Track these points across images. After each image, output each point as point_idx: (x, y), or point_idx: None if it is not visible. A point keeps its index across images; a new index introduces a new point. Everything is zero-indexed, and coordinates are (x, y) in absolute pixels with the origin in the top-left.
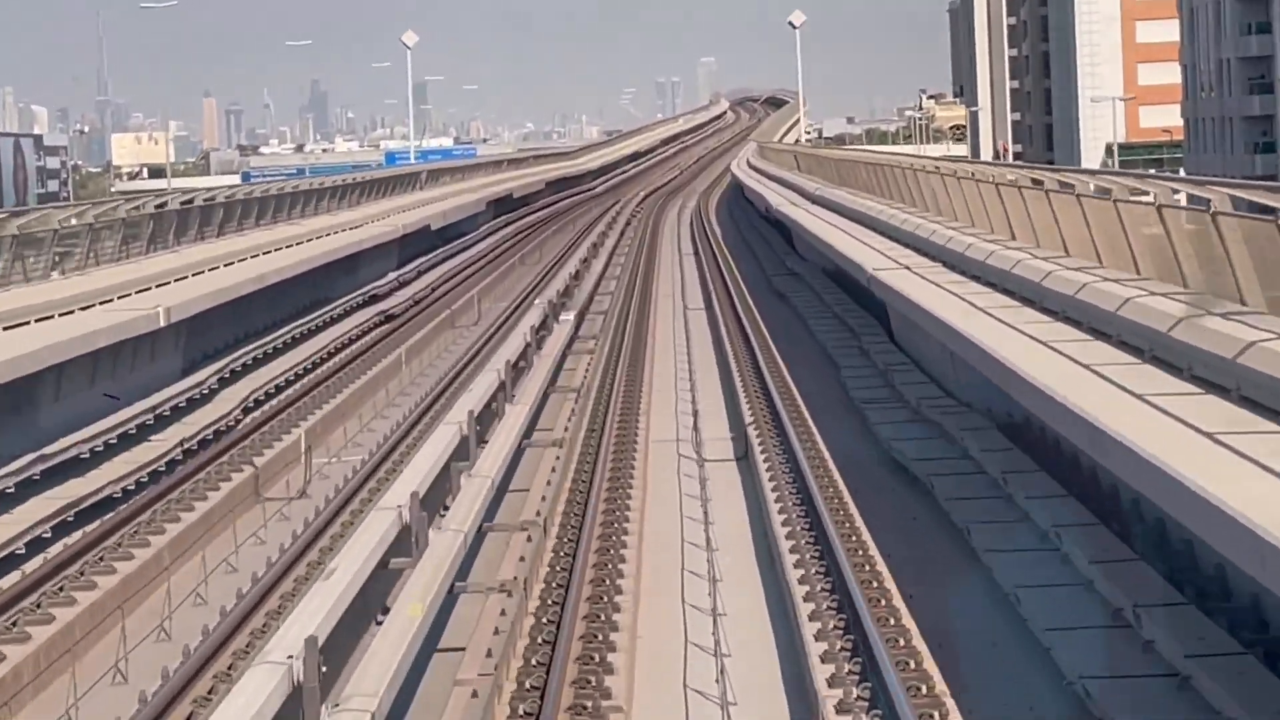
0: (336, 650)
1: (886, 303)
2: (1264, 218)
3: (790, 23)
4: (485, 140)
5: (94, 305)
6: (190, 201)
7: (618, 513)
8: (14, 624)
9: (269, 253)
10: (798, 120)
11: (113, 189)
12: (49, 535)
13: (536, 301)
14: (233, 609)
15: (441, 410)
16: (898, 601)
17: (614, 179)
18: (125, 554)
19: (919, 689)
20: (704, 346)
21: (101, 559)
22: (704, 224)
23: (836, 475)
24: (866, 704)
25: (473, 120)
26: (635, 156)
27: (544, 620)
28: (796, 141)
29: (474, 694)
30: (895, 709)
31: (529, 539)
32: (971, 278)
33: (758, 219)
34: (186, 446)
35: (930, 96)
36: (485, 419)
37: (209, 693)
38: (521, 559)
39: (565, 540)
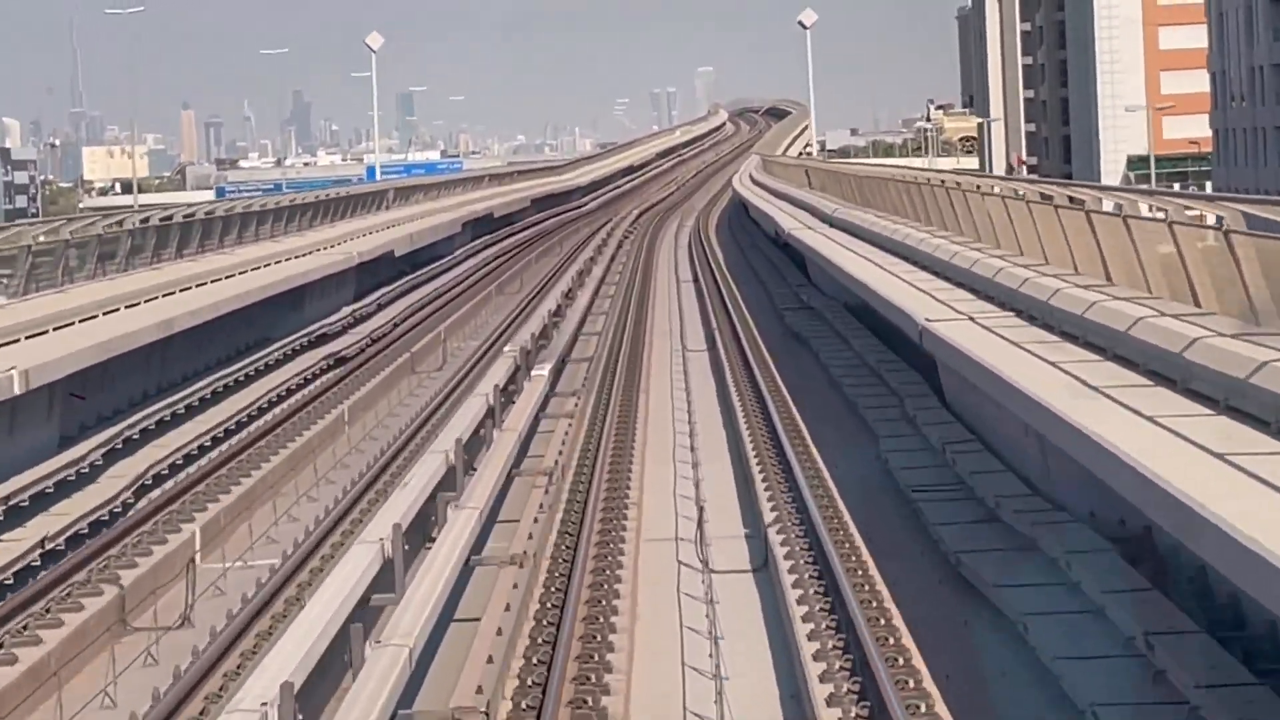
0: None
1: (940, 360)
2: None
3: (800, 22)
4: (474, 153)
5: None
6: (120, 224)
7: (592, 672)
8: None
9: (188, 289)
10: (803, 131)
11: (80, 205)
12: None
13: (506, 349)
14: None
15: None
16: None
17: (606, 195)
18: None
19: None
20: (708, 405)
21: None
22: (704, 246)
23: (892, 609)
24: None
25: (461, 132)
26: (629, 171)
27: None
28: (801, 154)
29: None
30: None
31: None
32: (1065, 335)
33: (763, 240)
34: (49, 546)
35: (938, 107)
36: (423, 525)
37: None
38: None
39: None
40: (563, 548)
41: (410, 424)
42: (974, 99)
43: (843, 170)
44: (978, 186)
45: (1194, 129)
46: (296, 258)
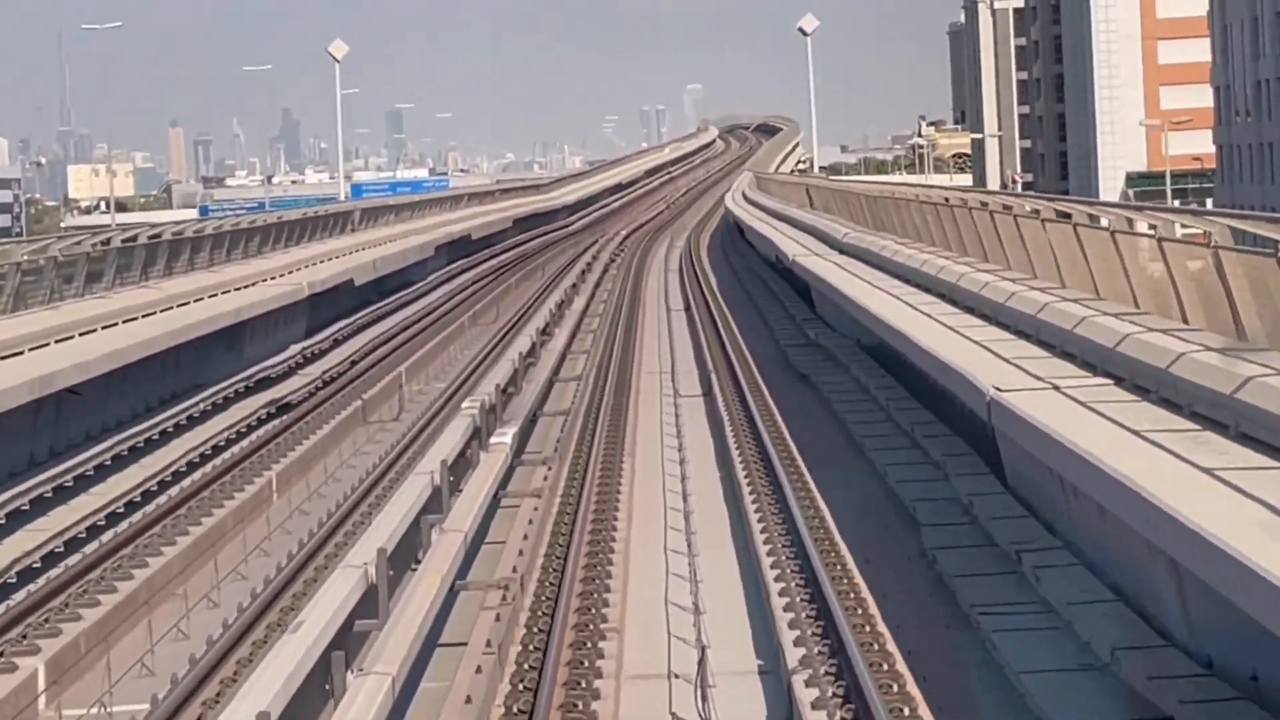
0: None
1: (1002, 431)
2: None
3: (800, 29)
4: (463, 171)
5: None
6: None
7: None
8: None
9: (91, 332)
10: (795, 147)
11: (62, 224)
12: None
13: (465, 405)
14: None
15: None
16: None
17: (593, 214)
18: None
19: None
20: (707, 476)
21: None
22: (696, 271)
23: None
24: None
25: (450, 150)
26: (617, 189)
27: None
28: (795, 171)
29: None
30: None
31: None
32: (1201, 419)
33: (759, 264)
34: None
35: (930, 123)
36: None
37: None
38: None
39: None
40: (520, 687)
41: (349, 497)
42: (966, 115)
43: (852, 189)
44: (1008, 207)
45: (1194, 145)
46: (237, 290)
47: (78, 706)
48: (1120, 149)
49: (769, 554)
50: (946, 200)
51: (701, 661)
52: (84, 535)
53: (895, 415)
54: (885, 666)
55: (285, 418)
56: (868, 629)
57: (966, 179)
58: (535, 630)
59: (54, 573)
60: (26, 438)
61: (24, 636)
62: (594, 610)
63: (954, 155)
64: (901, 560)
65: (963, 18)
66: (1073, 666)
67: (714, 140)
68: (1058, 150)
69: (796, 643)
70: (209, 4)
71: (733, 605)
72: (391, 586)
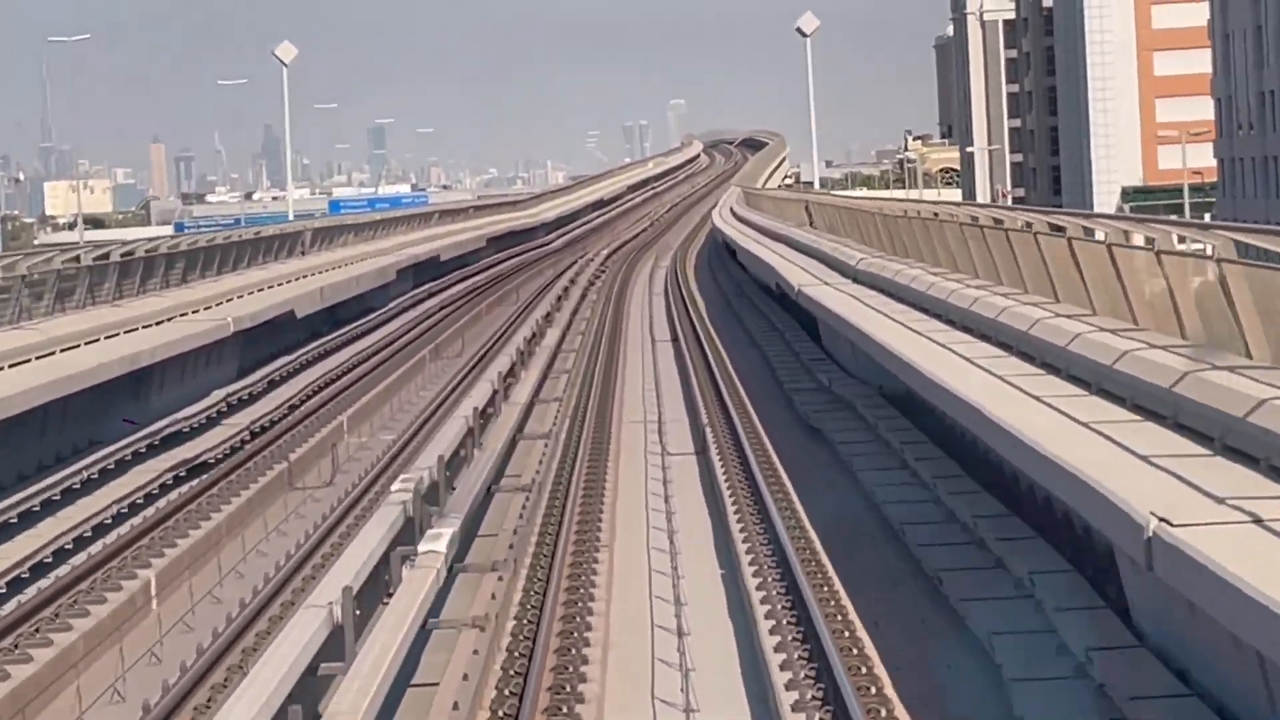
0: None
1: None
2: None
3: (799, 29)
4: (445, 187)
5: None
6: None
7: None
8: None
9: None
10: (782, 161)
11: (35, 241)
12: None
13: (395, 488)
14: None
15: None
16: None
17: (574, 231)
18: None
19: None
20: (707, 577)
21: None
22: (683, 295)
23: None
24: None
25: (433, 166)
26: (599, 205)
27: None
28: (782, 184)
29: None
30: None
31: None
32: None
33: (752, 287)
34: None
35: (916, 137)
36: None
37: None
38: None
39: None
40: None
41: (234, 619)
42: (953, 129)
43: (863, 207)
44: (1058, 228)
45: (1192, 158)
46: (144, 328)
47: None
48: (1115, 163)
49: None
50: (976, 220)
51: None
52: None
53: (948, 499)
54: None
55: (193, 483)
56: None
57: (955, 194)
58: None
59: None
60: None
61: None
62: None
63: (941, 170)
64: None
65: (951, 30)
66: None
67: (698, 155)
68: (1050, 164)
69: None
70: (191, 19)
71: None
72: None
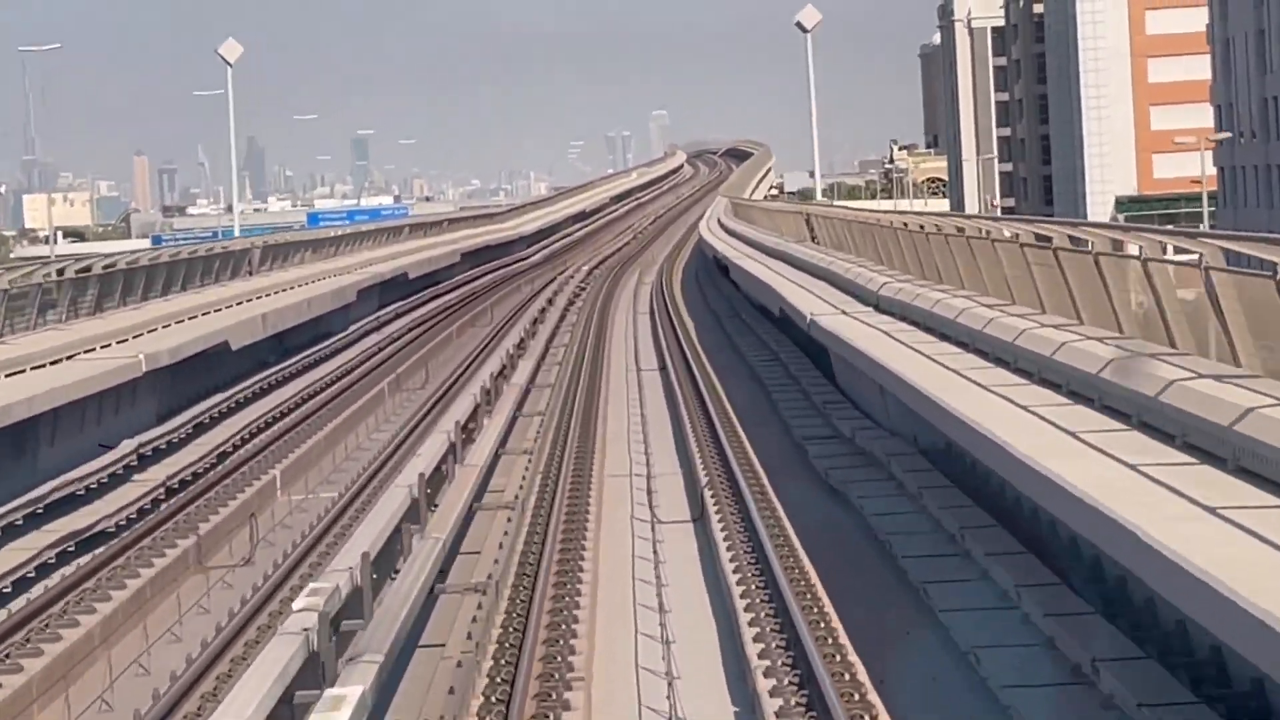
0: None
1: None
2: None
3: (799, 23)
4: (428, 199)
5: None
6: None
7: None
8: None
9: None
10: (768, 171)
11: (12, 254)
12: None
13: (297, 607)
14: None
15: None
16: None
17: (554, 245)
18: None
19: None
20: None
21: None
22: (670, 316)
23: None
24: None
25: (416, 177)
26: (582, 217)
27: None
28: (767, 196)
29: None
30: None
31: None
32: None
33: (747, 308)
34: None
35: (901, 147)
36: None
37: None
38: None
39: None
40: None
41: None
42: (939, 138)
43: (879, 222)
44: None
45: (1187, 167)
46: (34, 369)
47: None
48: (1109, 172)
49: None
50: (1015, 237)
51: None
52: None
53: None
54: None
55: (81, 562)
56: None
57: (942, 204)
58: None
59: None
60: None
61: None
62: None
63: (927, 180)
64: None
65: (937, 38)
66: None
67: (682, 165)
68: (1041, 174)
69: None
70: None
71: None
72: None
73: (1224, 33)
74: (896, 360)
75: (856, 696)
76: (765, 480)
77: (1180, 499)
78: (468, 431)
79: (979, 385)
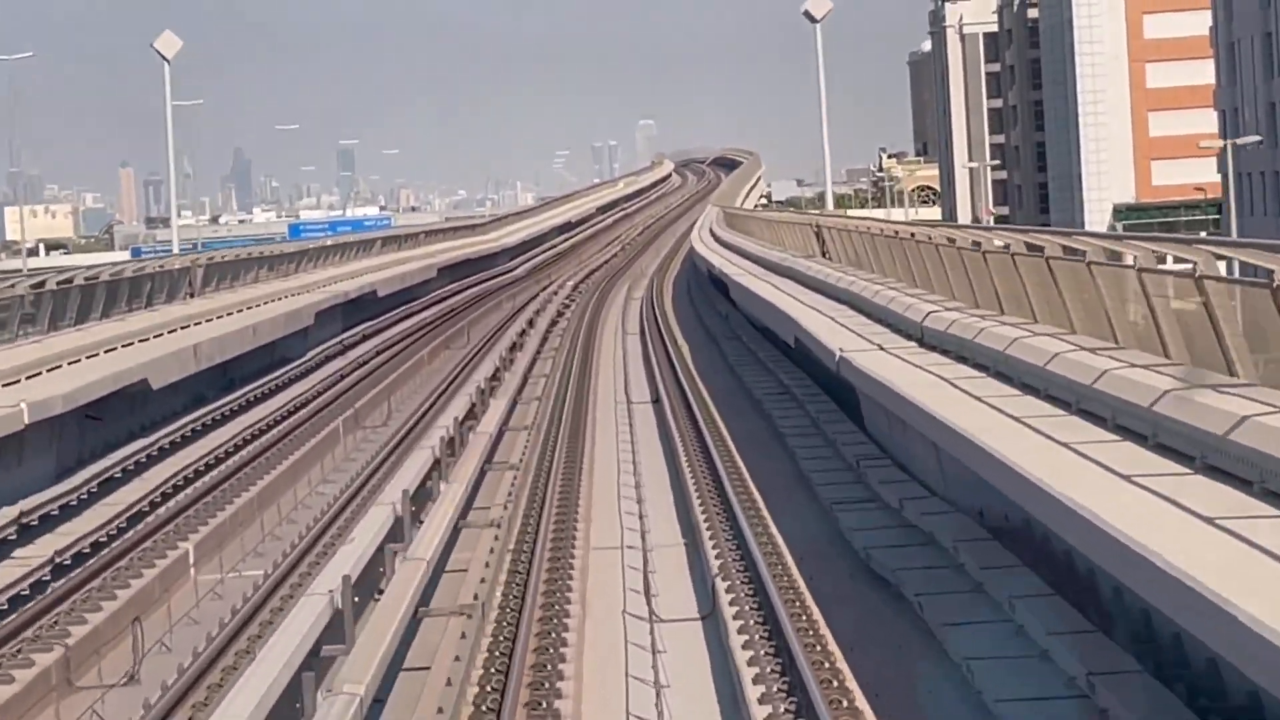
0: None
1: None
2: None
3: (807, 12)
4: (414, 209)
5: None
6: None
7: None
8: None
9: None
10: (758, 180)
11: None
12: None
13: None
14: None
15: None
16: None
17: (538, 257)
18: None
19: None
20: None
21: None
22: (663, 336)
23: None
24: None
25: (402, 187)
26: (568, 227)
27: None
28: (758, 206)
29: None
30: None
31: None
32: None
33: (747, 329)
34: None
35: (890, 155)
36: None
37: None
38: None
39: None
40: None
41: None
42: (927, 146)
43: (914, 236)
44: None
45: (1187, 173)
46: None
47: None
48: (1107, 179)
49: None
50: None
51: None
52: None
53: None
54: None
55: None
56: None
57: (933, 213)
58: None
59: None
60: None
61: None
62: None
63: (917, 189)
64: None
65: (926, 46)
66: None
67: (669, 175)
68: (1036, 181)
69: None
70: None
71: None
72: None
73: (1229, 36)
74: (964, 417)
75: None
76: (790, 563)
77: None
78: (420, 501)
79: (1102, 467)
